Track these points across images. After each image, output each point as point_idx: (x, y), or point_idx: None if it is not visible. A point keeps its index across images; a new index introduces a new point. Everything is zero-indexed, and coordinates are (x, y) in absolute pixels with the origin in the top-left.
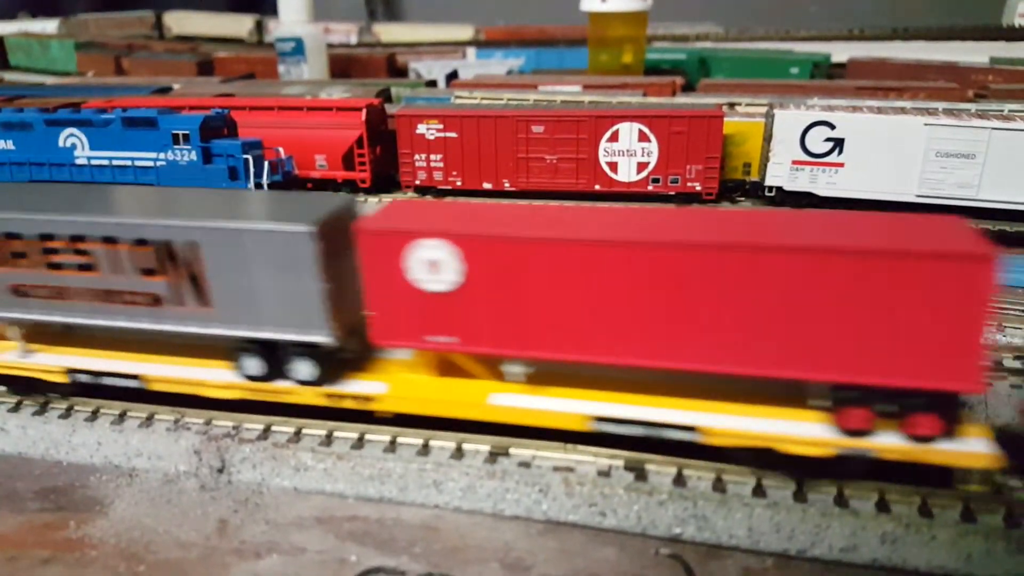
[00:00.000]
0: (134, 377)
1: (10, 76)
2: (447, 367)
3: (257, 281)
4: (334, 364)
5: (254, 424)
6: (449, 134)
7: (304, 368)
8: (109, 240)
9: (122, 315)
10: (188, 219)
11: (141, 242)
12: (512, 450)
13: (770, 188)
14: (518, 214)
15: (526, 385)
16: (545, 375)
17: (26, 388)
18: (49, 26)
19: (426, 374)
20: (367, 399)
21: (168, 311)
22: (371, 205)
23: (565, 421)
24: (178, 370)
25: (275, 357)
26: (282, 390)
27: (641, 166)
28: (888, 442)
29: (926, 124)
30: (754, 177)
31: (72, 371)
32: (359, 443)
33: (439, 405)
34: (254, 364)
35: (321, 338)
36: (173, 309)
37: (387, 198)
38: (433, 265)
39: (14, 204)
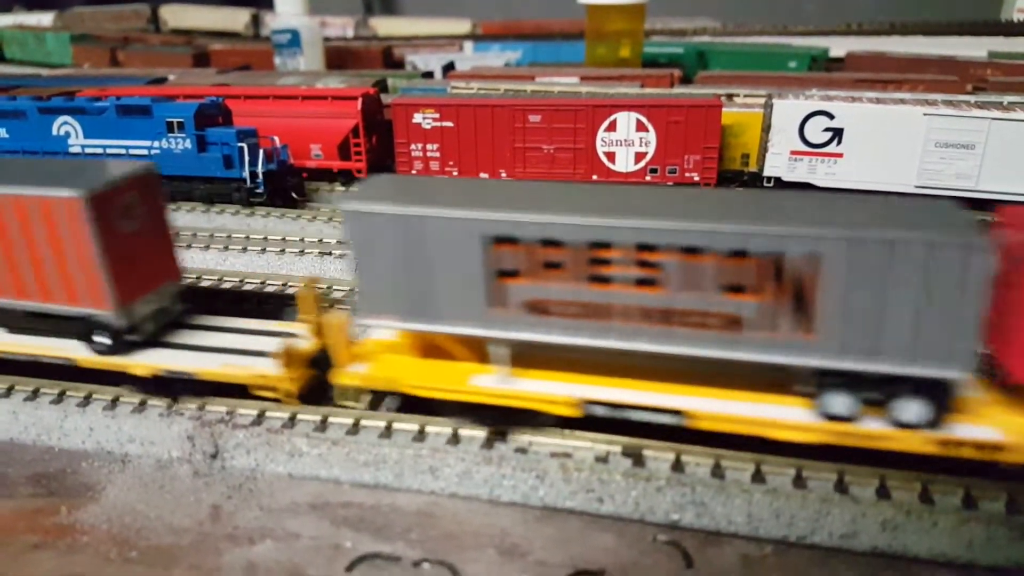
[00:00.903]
0: (676, 412)
1: (5, 69)
2: None
3: (891, 303)
4: (945, 404)
5: (248, 410)
6: (445, 123)
7: (914, 408)
8: (690, 251)
9: (678, 340)
10: (823, 227)
11: (739, 254)
12: (509, 436)
13: (768, 179)
14: None
15: None
16: None
17: (502, 419)
18: (44, 19)
19: None
20: (995, 448)
21: (747, 337)
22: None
23: None
24: (735, 406)
25: (871, 394)
26: (879, 435)
27: (639, 156)
28: None
29: (925, 114)
30: (752, 168)
31: (590, 403)
32: (354, 429)
33: None
34: (843, 402)
35: (961, 373)
36: (756, 335)
37: None
38: None
39: (550, 205)
